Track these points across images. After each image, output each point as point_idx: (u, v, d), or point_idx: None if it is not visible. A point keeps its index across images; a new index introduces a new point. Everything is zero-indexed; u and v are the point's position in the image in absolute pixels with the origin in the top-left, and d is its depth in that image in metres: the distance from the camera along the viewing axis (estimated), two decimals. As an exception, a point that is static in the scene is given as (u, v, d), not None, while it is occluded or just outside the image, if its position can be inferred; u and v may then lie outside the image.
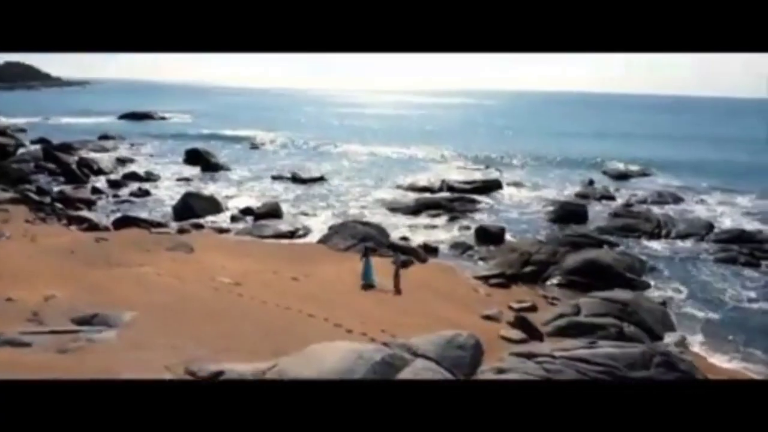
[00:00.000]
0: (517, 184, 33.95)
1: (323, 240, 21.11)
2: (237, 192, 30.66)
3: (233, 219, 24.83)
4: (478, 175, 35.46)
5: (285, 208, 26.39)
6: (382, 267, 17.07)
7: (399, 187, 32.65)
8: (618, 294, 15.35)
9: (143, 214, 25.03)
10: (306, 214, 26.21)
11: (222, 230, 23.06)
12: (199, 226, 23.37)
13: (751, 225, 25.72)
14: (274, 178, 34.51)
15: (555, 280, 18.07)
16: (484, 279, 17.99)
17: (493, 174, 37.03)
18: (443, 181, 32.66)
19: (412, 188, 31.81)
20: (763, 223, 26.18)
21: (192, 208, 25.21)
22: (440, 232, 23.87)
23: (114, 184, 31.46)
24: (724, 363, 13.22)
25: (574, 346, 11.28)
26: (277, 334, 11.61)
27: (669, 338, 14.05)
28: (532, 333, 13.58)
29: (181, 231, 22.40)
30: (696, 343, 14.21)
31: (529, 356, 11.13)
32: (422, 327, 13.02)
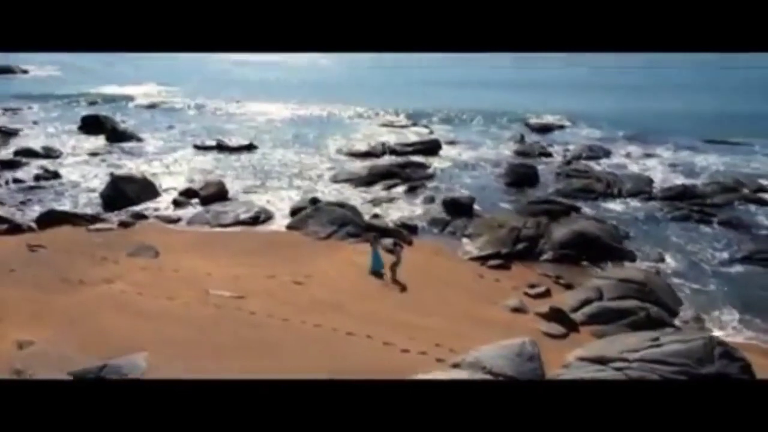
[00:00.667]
0: (452, 143, 33.57)
1: (295, 226, 19.46)
2: (164, 169, 27.44)
3: (177, 204, 22.19)
4: (414, 137, 34.57)
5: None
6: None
7: (339, 151, 31.00)
8: (630, 272, 15.54)
9: (66, 205, 21.65)
10: (254, 193, 24.08)
11: (171, 220, 20.49)
12: (141, 216, 20.60)
13: (679, 178, 27.33)
14: (198, 147, 31.37)
15: (547, 256, 18.00)
16: (480, 260, 17.55)
17: (423, 131, 36.43)
18: (384, 145, 31.51)
19: (354, 154, 30.32)
20: (689, 176, 27.89)
21: (124, 193, 22.21)
22: (405, 204, 22.98)
23: (7, 165, 26.91)
24: (738, 338, 13.81)
25: (639, 345, 11.11)
26: (334, 362, 10.37)
27: (684, 314, 14.51)
28: (570, 325, 13.38)
29: (123, 225, 19.62)
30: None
31: (603, 361, 10.81)
32: (466, 333, 12.40)
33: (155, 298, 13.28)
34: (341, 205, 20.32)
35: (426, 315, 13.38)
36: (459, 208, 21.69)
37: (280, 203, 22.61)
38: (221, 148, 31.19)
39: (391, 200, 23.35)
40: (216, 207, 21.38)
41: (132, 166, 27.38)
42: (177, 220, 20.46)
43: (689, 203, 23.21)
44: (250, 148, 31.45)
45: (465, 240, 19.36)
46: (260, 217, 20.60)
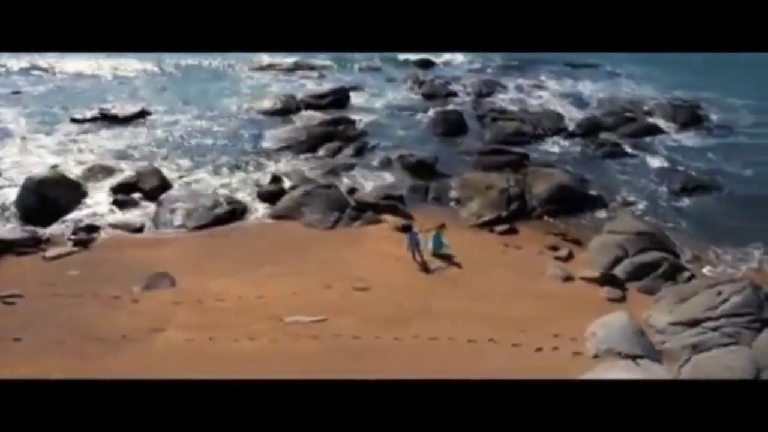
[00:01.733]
0: (355, 88, 32.74)
1: (287, 215, 18.19)
2: (58, 156, 23.10)
3: (121, 205, 19.18)
4: (312, 84, 32.99)
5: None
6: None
7: (249, 111, 28.57)
8: (627, 224, 17.36)
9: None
10: (193, 177, 21.62)
11: (133, 228, 17.79)
12: (93, 229, 17.56)
13: (574, 110, 30.02)
14: (77, 121, 26.61)
15: (537, 213, 19.25)
16: (486, 227, 18.23)
17: (311, 75, 34.88)
18: (294, 98, 29.70)
19: (269, 112, 28.22)
20: (582, 106, 30.80)
21: (51, 200, 18.54)
22: (366, 171, 22.44)
23: None
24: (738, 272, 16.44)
25: (712, 302, 12.90)
26: (483, 373, 10.55)
27: (684, 256, 16.86)
28: (621, 286, 14.88)
29: (80, 243, 16.63)
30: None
31: (695, 323, 12.44)
32: (546, 314, 13.22)
33: (232, 341, 11.94)
34: (328, 186, 19.28)
35: (493, 301, 13.84)
36: (425, 170, 21.86)
37: (235, 186, 20.66)
38: (107, 118, 26.83)
39: (348, 168, 22.58)
40: (172, 203, 18.91)
41: (12, 155, 22.65)
42: (140, 228, 17.79)
43: (606, 136, 25.95)
44: (143, 115, 27.52)
45: (454, 205, 19.75)
46: (237, 210, 18.74)
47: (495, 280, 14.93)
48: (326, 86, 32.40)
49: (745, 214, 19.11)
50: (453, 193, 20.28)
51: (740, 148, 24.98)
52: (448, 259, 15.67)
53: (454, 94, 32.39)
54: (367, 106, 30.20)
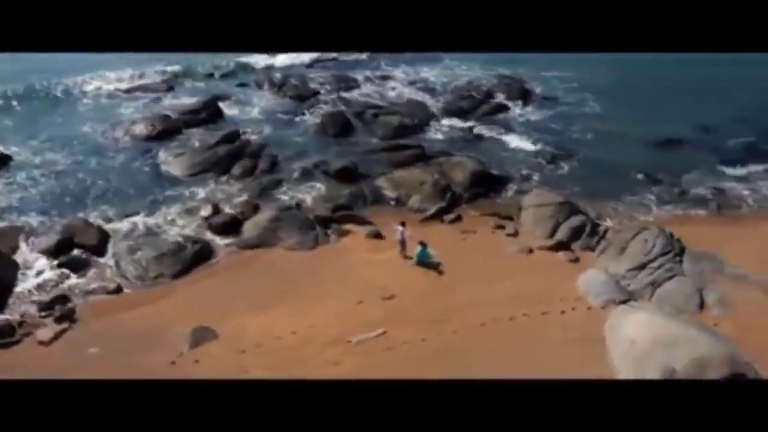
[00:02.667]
0: (221, 98, 32.50)
1: (260, 243, 18.87)
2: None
3: (72, 268, 17.88)
4: (175, 99, 31.94)
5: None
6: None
7: (127, 134, 26.96)
8: (545, 196, 21.46)
9: None
10: (117, 220, 20.60)
11: (109, 290, 16.98)
12: (64, 299, 16.41)
13: (426, 96, 33.82)
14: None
15: (465, 198, 22.52)
16: (434, 219, 20.99)
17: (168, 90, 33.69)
18: (170, 117, 28.75)
19: (148, 137, 26.99)
20: (431, 94, 34.55)
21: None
22: (297, 186, 23.38)
23: None
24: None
25: (642, 251, 17.43)
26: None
27: (591, 215, 21.50)
28: (569, 248, 18.90)
29: (63, 319, 15.63)
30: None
31: (641, 267, 16.85)
32: (543, 286, 16.55)
33: (320, 370, 13.14)
34: (298, 205, 20.26)
35: (490, 283, 16.60)
36: (349, 174, 23.71)
37: (180, 223, 20.39)
38: None
39: (276, 185, 23.35)
40: (131, 254, 18.25)
41: None
42: (118, 288, 17.02)
43: (472, 120, 30.23)
44: (4, 161, 24.50)
45: (394, 204, 22.05)
46: (204, 247, 18.76)
47: (476, 265, 17.78)
48: (187, 100, 31.66)
49: (604, 173, 24.55)
50: (388, 193, 22.48)
51: (572, 116, 31.01)
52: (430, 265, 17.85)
53: (317, 92, 33.95)
54: (246, 116, 30.44)
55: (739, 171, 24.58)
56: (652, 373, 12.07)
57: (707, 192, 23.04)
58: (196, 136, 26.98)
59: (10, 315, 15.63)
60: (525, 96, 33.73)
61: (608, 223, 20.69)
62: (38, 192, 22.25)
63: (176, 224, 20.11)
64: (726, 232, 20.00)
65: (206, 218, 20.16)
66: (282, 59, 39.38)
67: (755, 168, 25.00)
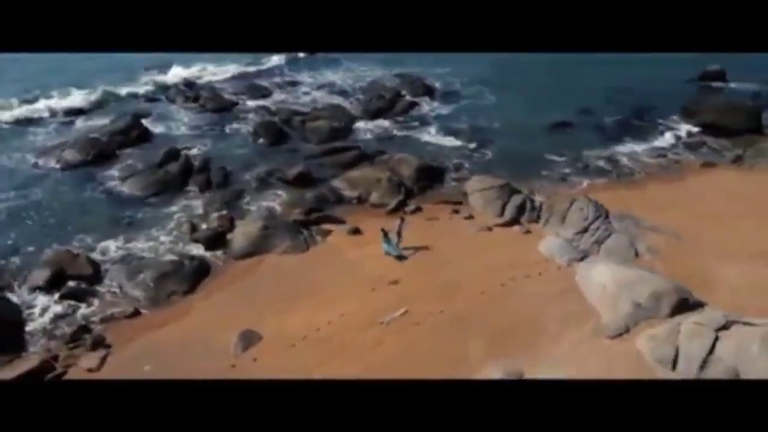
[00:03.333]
0: (142, 116, 32.45)
1: (255, 251, 20.41)
2: None
3: (77, 298, 18.25)
4: (87, 122, 31.36)
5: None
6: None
7: (56, 168, 26.49)
8: (486, 181, 24.99)
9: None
10: (93, 247, 20.95)
11: (133, 313, 17.68)
12: (85, 329, 16.97)
13: (342, 100, 36.35)
14: None
15: (416, 190, 25.46)
16: (397, 211, 23.70)
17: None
18: (99, 140, 28.49)
19: (82, 163, 26.80)
20: (343, 95, 37.20)
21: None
22: (261, 196, 24.78)
23: None
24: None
25: (581, 216, 21.61)
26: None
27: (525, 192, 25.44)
28: (519, 222, 22.59)
29: (97, 346, 16.32)
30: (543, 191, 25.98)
31: (584, 230, 20.98)
32: (513, 252, 20.11)
33: (373, 350, 15.48)
34: (274, 216, 21.77)
35: (471, 259, 19.64)
36: (305, 180, 25.63)
37: (167, 242, 21.21)
38: None
39: (239, 197, 24.62)
40: (131, 278, 18.97)
41: None
42: (136, 312, 17.76)
43: (390, 118, 33.21)
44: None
45: (356, 202, 24.40)
46: (201, 261, 19.90)
47: (452, 246, 20.80)
48: (100, 121, 31.36)
49: (520, 156, 28.74)
50: (348, 193, 24.75)
51: (476, 108, 35.15)
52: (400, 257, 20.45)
53: (236, 103, 34.98)
54: (175, 132, 30.84)
55: (624, 145, 29.98)
56: (624, 308, 15.83)
57: (604, 164, 28.02)
58: (135, 157, 27.12)
59: (36, 352, 15.86)
60: (429, 92, 37.33)
61: (540, 198, 24.65)
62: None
63: (162, 244, 20.79)
64: (627, 194, 24.83)
65: (191, 235, 21.03)
66: (185, 72, 39.52)
67: (631, 140, 30.63)
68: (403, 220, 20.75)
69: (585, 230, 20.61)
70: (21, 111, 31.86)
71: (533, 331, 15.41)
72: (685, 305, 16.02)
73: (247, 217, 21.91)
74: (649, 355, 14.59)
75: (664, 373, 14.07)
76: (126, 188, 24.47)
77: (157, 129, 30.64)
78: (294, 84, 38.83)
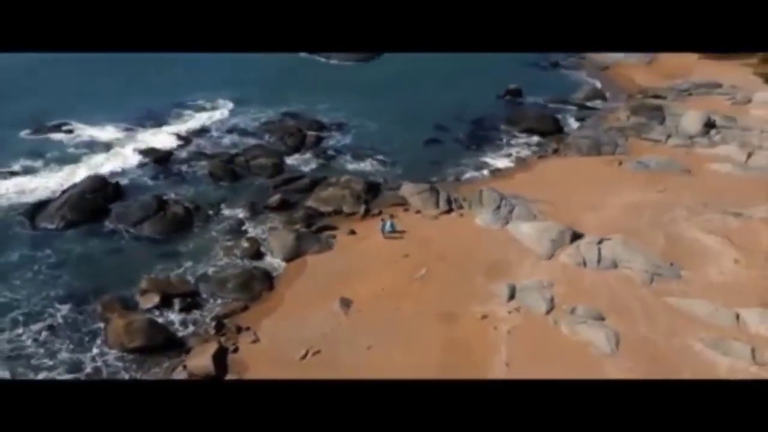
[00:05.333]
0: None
1: (297, 254, 28.81)
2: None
3: (195, 307, 25.14)
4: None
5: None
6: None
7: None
8: (412, 188, 36.12)
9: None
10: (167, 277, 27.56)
11: (243, 308, 25.14)
12: (220, 326, 24.24)
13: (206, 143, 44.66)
14: None
15: (369, 199, 35.56)
16: (367, 216, 33.64)
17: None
18: (41, 205, 33.43)
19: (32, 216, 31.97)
20: (252, 122, 45.58)
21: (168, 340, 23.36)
22: (258, 222, 32.80)
23: None
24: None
25: (494, 202, 34.08)
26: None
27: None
28: (452, 210, 34.15)
29: (236, 333, 23.94)
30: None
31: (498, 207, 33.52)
32: (459, 234, 31.74)
33: (423, 289, 25.56)
34: (297, 230, 30.15)
35: (445, 242, 30.91)
36: (286, 205, 34.13)
37: (216, 263, 28.43)
38: None
39: (240, 224, 32.29)
40: (221, 286, 26.29)
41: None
42: (245, 307, 25.23)
43: (309, 152, 42.61)
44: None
45: (333, 213, 33.71)
46: (262, 270, 27.74)
47: (424, 230, 31.33)
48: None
49: (424, 166, 40.26)
50: (324, 208, 33.85)
51: (366, 134, 45.96)
52: (399, 233, 30.69)
53: (170, 152, 41.18)
54: (140, 183, 36.57)
55: (483, 150, 43.34)
56: (546, 243, 28.13)
57: (477, 166, 40.93)
58: (126, 208, 32.74)
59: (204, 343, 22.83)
60: (322, 127, 47.11)
61: (454, 193, 36.41)
62: (54, 286, 26.52)
63: (214, 266, 27.98)
64: (505, 183, 37.76)
65: (243, 251, 28.59)
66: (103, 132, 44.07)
67: (486, 145, 44.19)
68: (391, 216, 30.80)
69: (498, 207, 32.74)
70: None
71: (506, 263, 26.86)
72: (576, 236, 28.75)
73: (275, 233, 29.90)
74: (570, 263, 26.87)
75: (578, 270, 26.21)
76: (146, 232, 30.48)
77: (123, 182, 35.94)
78: (204, 131, 45.60)
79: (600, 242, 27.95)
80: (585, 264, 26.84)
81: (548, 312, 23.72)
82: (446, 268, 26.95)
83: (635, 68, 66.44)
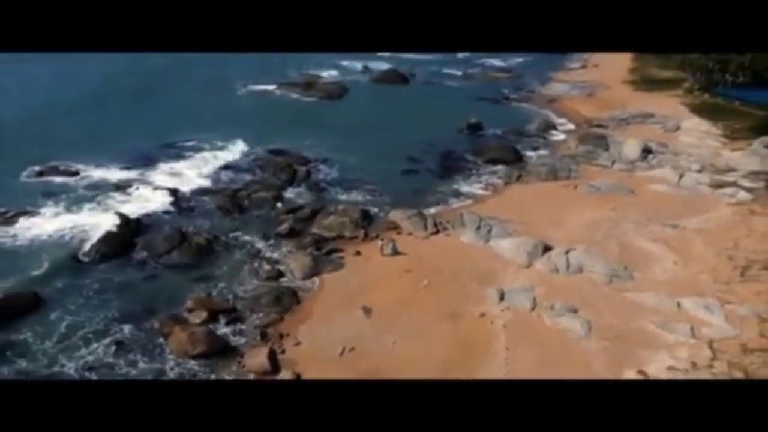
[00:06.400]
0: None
1: (312, 276, 34.11)
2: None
3: (239, 320, 30.04)
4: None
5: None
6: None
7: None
8: (404, 212, 42.09)
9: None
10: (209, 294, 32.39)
11: (280, 319, 30.24)
12: (282, 336, 29.29)
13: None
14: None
15: (365, 225, 41.21)
16: (371, 238, 39.25)
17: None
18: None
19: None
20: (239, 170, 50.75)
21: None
22: (273, 248, 37.94)
23: None
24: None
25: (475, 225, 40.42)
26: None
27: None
28: (439, 232, 40.23)
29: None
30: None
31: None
32: (451, 249, 37.85)
33: (432, 292, 31.32)
34: (311, 253, 35.41)
35: (440, 252, 36.81)
36: (293, 233, 39.41)
37: (236, 289, 33.40)
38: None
39: (256, 254, 37.34)
40: (262, 302, 31.31)
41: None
42: (281, 318, 30.33)
43: (294, 187, 48.04)
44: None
45: (336, 236, 39.13)
46: (287, 287, 32.89)
47: (419, 248, 37.14)
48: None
49: (408, 194, 46.28)
50: (329, 234, 39.25)
51: (351, 168, 51.70)
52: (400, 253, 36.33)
53: (175, 190, 45.78)
54: (157, 218, 41.10)
55: (455, 179, 49.75)
56: (523, 255, 34.46)
57: (453, 193, 47.26)
58: (156, 238, 37.31)
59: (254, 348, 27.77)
60: (307, 162, 52.59)
61: (438, 217, 42.44)
62: (107, 308, 30.97)
63: (243, 286, 32.94)
64: (481, 207, 44.13)
65: (266, 273, 33.65)
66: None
67: (458, 175, 50.63)
68: (392, 239, 36.51)
69: (478, 228, 38.96)
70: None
71: (493, 272, 32.95)
72: (547, 248, 35.17)
73: (292, 255, 35.10)
74: (545, 270, 33.20)
75: (552, 275, 32.59)
76: (174, 260, 35.14)
77: (142, 218, 40.38)
78: (201, 169, 50.36)
79: (567, 252, 34.38)
80: (557, 270, 33.16)
81: (532, 309, 29.70)
82: (444, 279, 32.75)
83: (579, 101, 75.01)
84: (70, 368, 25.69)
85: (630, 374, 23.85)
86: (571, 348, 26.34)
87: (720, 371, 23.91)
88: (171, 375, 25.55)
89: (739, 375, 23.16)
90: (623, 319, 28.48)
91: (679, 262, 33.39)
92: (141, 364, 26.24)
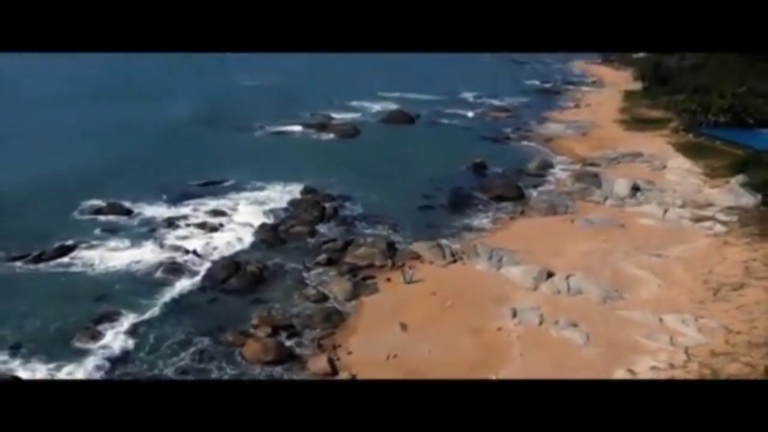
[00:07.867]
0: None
1: (352, 298, 40.94)
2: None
3: (295, 335, 36.81)
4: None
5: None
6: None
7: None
8: (424, 244, 49.14)
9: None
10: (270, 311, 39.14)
11: (332, 333, 37.05)
12: (336, 347, 36.07)
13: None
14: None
15: (392, 255, 48.19)
16: (394, 268, 46.16)
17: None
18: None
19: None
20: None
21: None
22: (314, 278, 44.79)
23: None
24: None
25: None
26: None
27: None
28: (456, 261, 47.28)
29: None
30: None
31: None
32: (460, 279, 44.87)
33: (453, 314, 38.21)
34: (354, 283, 42.32)
35: (457, 276, 43.78)
36: (331, 261, 46.32)
37: (287, 308, 40.17)
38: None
39: (303, 284, 44.18)
40: (316, 320, 38.08)
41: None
42: (332, 332, 37.05)
43: (332, 220, 55.13)
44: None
45: (367, 263, 46.02)
46: (334, 306, 39.68)
47: (438, 276, 44.04)
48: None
49: (423, 228, 53.35)
50: (360, 263, 46.09)
51: (373, 204, 58.85)
52: (417, 281, 43.16)
53: (215, 227, 52.73)
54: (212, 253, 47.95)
55: (466, 214, 56.92)
56: (530, 280, 41.52)
57: (464, 227, 54.37)
58: (214, 268, 44.09)
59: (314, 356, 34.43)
60: (333, 199, 59.78)
61: (455, 246, 49.37)
62: (182, 325, 37.64)
63: (296, 306, 39.68)
64: (491, 239, 51.19)
65: (313, 296, 40.45)
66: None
67: (469, 211, 57.83)
68: (410, 267, 43.47)
69: (490, 257, 45.99)
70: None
71: (506, 294, 39.90)
72: (550, 274, 42.20)
73: (335, 281, 41.95)
74: (549, 292, 40.23)
75: (555, 297, 39.64)
76: (233, 286, 41.92)
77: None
78: (241, 206, 57.41)
79: (567, 277, 41.41)
80: (559, 292, 40.13)
81: (540, 323, 36.57)
82: (465, 300, 39.64)
83: (573, 140, 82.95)
84: (168, 372, 32.15)
85: (621, 373, 30.61)
86: (573, 354, 33.13)
87: (692, 370, 30.75)
88: (260, 377, 32.14)
89: (707, 372, 30.02)
90: (615, 331, 35.36)
91: (662, 285, 40.41)
92: (229, 369, 32.80)
